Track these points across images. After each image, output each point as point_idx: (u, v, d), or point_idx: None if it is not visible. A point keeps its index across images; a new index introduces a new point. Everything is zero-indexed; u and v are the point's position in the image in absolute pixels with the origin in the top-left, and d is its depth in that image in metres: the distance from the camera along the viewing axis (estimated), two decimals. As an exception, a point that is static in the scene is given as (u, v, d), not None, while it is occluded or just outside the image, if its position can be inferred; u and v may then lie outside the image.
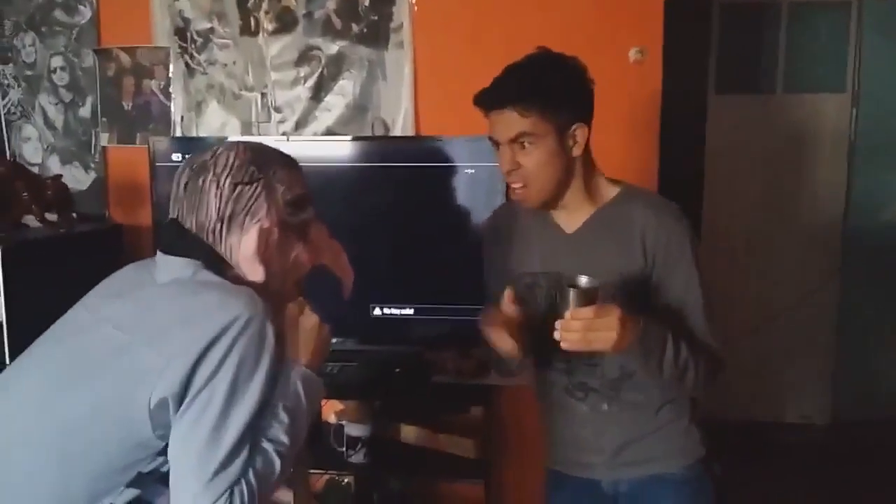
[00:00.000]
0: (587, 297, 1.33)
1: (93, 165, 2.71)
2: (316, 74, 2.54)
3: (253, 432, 1.12)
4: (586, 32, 2.39)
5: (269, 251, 1.22)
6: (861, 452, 3.63)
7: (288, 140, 2.50)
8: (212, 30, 2.57)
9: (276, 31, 2.54)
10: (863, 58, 3.79)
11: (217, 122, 2.60)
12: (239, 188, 1.20)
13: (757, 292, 3.86)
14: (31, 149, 2.76)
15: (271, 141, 2.49)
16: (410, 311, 2.35)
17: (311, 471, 2.55)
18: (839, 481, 3.39)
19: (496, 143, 1.50)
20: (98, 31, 2.65)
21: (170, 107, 2.63)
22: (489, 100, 1.47)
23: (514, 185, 1.50)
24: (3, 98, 2.75)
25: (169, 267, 1.21)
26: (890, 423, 3.78)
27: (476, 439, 2.31)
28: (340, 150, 2.44)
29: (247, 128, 2.59)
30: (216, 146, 1.25)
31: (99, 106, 2.67)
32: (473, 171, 2.30)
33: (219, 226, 1.20)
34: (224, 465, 1.07)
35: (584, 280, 1.37)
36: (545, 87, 1.45)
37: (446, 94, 2.50)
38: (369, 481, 2.50)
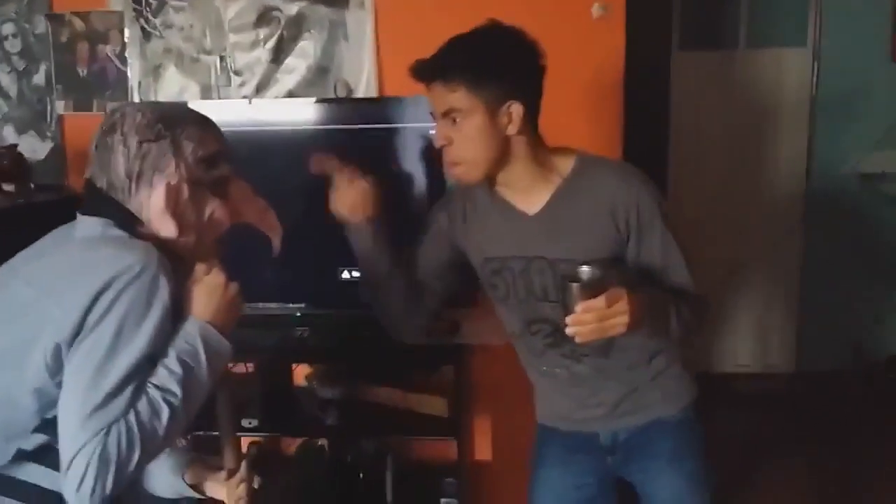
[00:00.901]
0: (592, 288, 1.33)
1: (49, 134, 2.65)
2: (275, 36, 2.50)
3: (140, 378, 1.15)
4: (549, -11, 2.38)
5: (180, 207, 1.25)
6: (824, 400, 3.73)
7: (250, 103, 2.46)
8: (167, -8, 2.52)
9: (234, -8, 2.49)
10: (823, 12, 3.81)
11: (176, 87, 2.55)
12: (145, 146, 1.23)
13: (722, 246, 3.92)
14: (-15, 119, 2.69)
15: (233, 105, 2.47)
16: (379, 274, 2.35)
17: (285, 435, 2.57)
18: (803, 428, 3.49)
19: (434, 117, 1.49)
20: (50, -5, 2.58)
21: (126, 72, 2.57)
22: (419, 72, 1.46)
23: (447, 161, 1.48)
24: (-47, 67, 2.68)
25: (84, 226, 1.26)
26: (852, 371, 3.89)
27: (447, 398, 2.33)
28: (304, 113, 2.41)
29: (206, 92, 2.55)
30: (125, 105, 1.30)
31: (53, 73, 2.61)
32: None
33: (127, 183, 1.23)
34: (104, 403, 1.10)
35: (584, 271, 1.37)
36: (472, 61, 1.42)
37: (409, 55, 2.44)
38: (343, 443, 2.52)
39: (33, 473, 1.20)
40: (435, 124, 1.49)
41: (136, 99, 2.55)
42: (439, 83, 1.43)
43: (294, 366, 2.53)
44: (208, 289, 1.26)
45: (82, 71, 2.60)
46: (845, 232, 3.91)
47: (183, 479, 1.52)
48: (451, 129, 1.44)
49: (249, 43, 2.51)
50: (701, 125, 3.94)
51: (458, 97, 1.41)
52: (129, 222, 1.24)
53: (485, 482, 2.63)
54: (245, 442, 2.58)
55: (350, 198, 1.54)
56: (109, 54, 2.58)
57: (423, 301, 1.67)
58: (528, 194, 1.52)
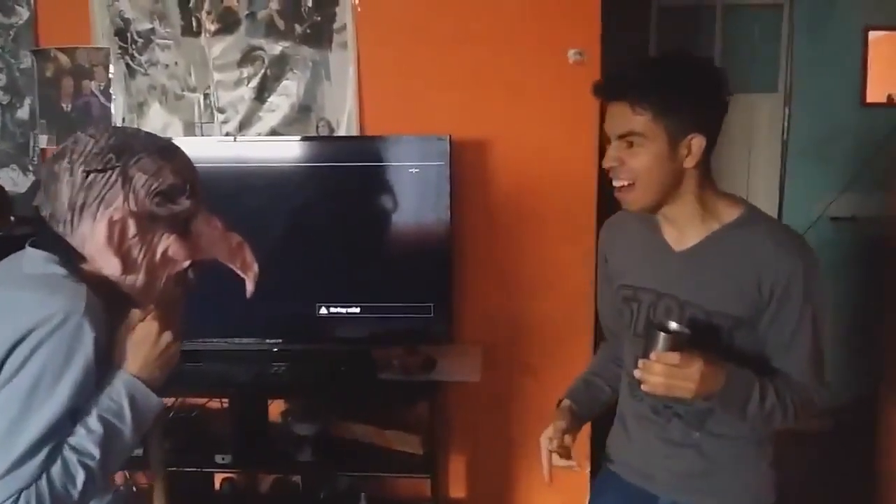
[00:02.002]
0: (674, 343, 1.31)
1: (31, 168, 2.67)
2: (259, 75, 2.54)
3: (56, 438, 1.07)
4: (526, 34, 2.45)
5: (125, 244, 1.15)
6: (799, 438, 3.75)
7: (235, 140, 2.50)
8: (153, 30, 2.56)
9: (219, 32, 2.54)
10: (794, 58, 3.92)
11: (159, 123, 2.58)
12: (91, 176, 1.13)
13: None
14: (-32, 152, 2.70)
15: (215, 142, 2.51)
16: (356, 310, 2.37)
17: (258, 471, 2.55)
18: (779, 466, 3.50)
19: (608, 138, 1.40)
20: (35, 31, 2.61)
21: (110, 108, 2.60)
22: (607, 88, 1.39)
23: (616, 183, 1.41)
24: (-63, 99, 2.70)
25: (28, 259, 1.17)
26: (826, 410, 3.92)
27: (422, 435, 2.34)
28: (286, 151, 2.45)
29: (189, 128, 2.58)
30: (81, 131, 1.19)
31: (37, 107, 2.63)
32: (418, 170, 2.34)
33: (69, 215, 1.14)
34: (14, 466, 1.04)
35: (673, 325, 1.34)
36: (665, 86, 1.34)
37: (390, 95, 2.53)
38: (316, 480, 2.51)
39: None
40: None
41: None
42: (625, 103, 1.34)
43: (269, 401, 2.53)
44: (139, 338, 1.17)
45: (66, 106, 2.62)
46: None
47: None
48: (624, 152, 1.37)
49: (233, 81, 2.56)
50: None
51: (643, 121, 1.33)
52: (71, 258, 1.15)
53: (459, 519, 2.63)
54: (218, 478, 2.57)
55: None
56: (94, 90, 2.61)
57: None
58: (683, 231, 1.44)
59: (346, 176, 2.39)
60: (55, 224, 1.15)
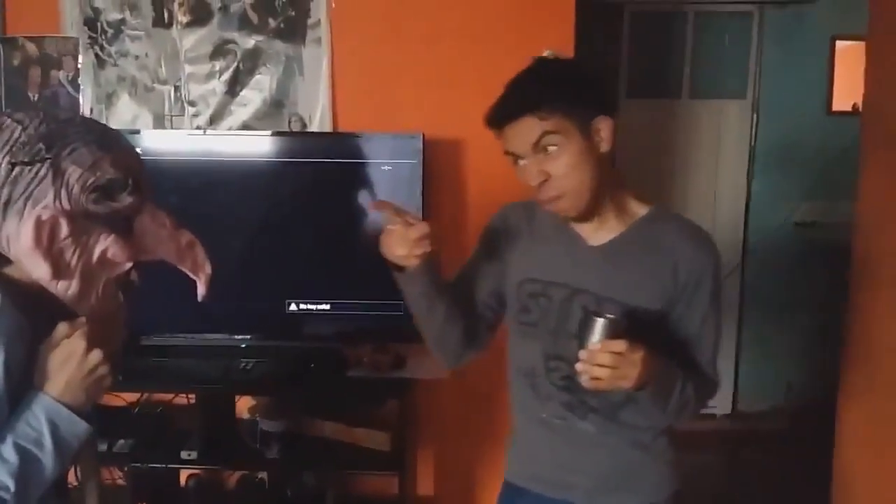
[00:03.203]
0: (616, 330, 1.27)
1: (-4, 157, 2.61)
2: (231, 69, 2.52)
3: None
4: (501, 33, 2.46)
5: (55, 245, 1.01)
6: (759, 440, 3.84)
7: (205, 134, 2.48)
8: (123, 21, 2.52)
9: (191, 24, 2.51)
10: (763, 66, 3.99)
11: (128, 115, 2.55)
12: (18, 169, 0.99)
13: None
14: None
15: (185, 135, 2.48)
16: (327, 307, 2.36)
17: (225, 468, 2.54)
18: (739, 467, 3.58)
19: (516, 158, 1.39)
20: (3, 19, 2.55)
21: (79, 99, 2.56)
22: (504, 113, 1.37)
23: (545, 199, 1.38)
24: None
25: None
26: (785, 411, 4.01)
27: (391, 432, 2.34)
28: (257, 146, 2.43)
29: (159, 121, 2.55)
30: (7, 114, 1.04)
31: (3, 97, 2.58)
32: (390, 167, 2.34)
33: None
34: None
35: (609, 315, 1.29)
36: (561, 83, 1.36)
37: (364, 91, 2.52)
38: (284, 477, 2.50)
39: None
40: (520, 171, 1.39)
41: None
42: (530, 116, 1.33)
43: (237, 398, 2.51)
44: (62, 357, 1.02)
45: (33, 96, 2.58)
46: (781, 277, 4.05)
47: None
48: (546, 163, 1.35)
49: (205, 74, 2.53)
50: (643, 171, 4.06)
51: (554, 122, 1.33)
52: None
53: (427, 517, 2.64)
54: (184, 475, 2.55)
55: (409, 240, 1.34)
56: (62, 80, 2.57)
57: (469, 324, 1.53)
58: (597, 227, 1.45)
59: (317, 172, 2.38)
60: None
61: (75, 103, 2.56)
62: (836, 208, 3.43)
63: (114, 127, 1.18)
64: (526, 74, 1.41)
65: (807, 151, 3.99)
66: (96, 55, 2.54)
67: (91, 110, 2.55)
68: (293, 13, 2.49)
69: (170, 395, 2.50)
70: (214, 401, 2.44)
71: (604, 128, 1.36)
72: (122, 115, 2.55)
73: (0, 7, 2.55)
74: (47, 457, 1.00)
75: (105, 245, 1.05)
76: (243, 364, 2.35)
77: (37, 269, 1.02)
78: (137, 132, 2.43)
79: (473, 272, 1.56)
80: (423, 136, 2.33)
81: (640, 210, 1.46)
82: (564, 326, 1.44)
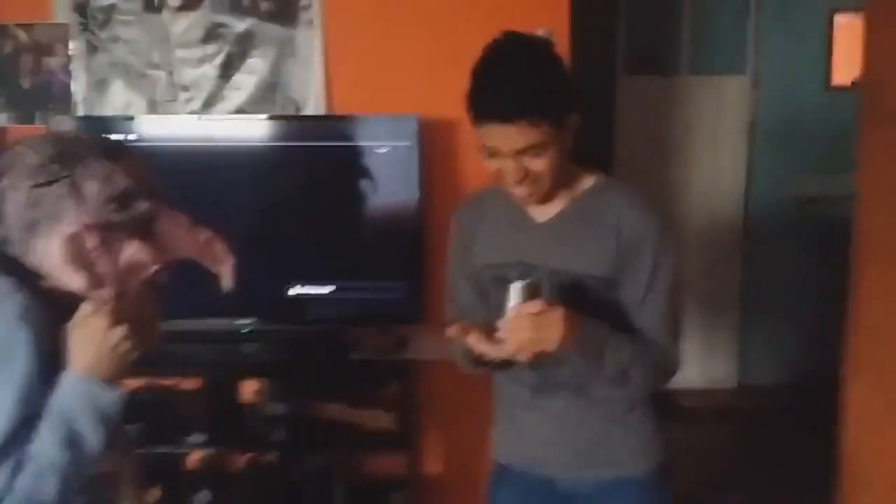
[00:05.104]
0: (531, 292, 1.28)
1: (-10, 147, 2.60)
2: (224, 53, 2.50)
3: (15, 448, 1.05)
4: (495, 12, 2.43)
5: (86, 256, 1.08)
6: (765, 413, 3.85)
7: (199, 119, 2.46)
8: (114, 6, 2.49)
9: (182, 8, 2.48)
10: (762, 41, 3.96)
11: (121, 101, 2.53)
12: (38, 191, 1.06)
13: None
14: (-78, 131, 2.63)
15: (181, 120, 2.46)
16: (327, 290, 2.35)
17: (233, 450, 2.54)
18: (746, 440, 3.59)
19: (493, 153, 1.38)
20: (-8, 7, 2.54)
21: (71, 85, 2.54)
22: (496, 113, 1.33)
23: (521, 192, 1.40)
24: None
25: None
26: (791, 385, 4.02)
27: (395, 413, 2.34)
28: (252, 130, 2.41)
29: (152, 107, 2.53)
30: (19, 143, 1.11)
31: (-4, 85, 2.57)
32: (386, 149, 2.32)
33: (22, 235, 1.07)
34: None
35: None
36: (548, 90, 1.33)
37: (358, 73, 2.50)
38: (291, 459, 2.50)
39: None
40: (496, 162, 1.38)
41: (81, 113, 2.52)
42: (521, 121, 1.31)
43: (242, 382, 2.51)
44: (86, 333, 1.09)
45: (25, 83, 2.56)
46: (783, 252, 4.04)
47: None
48: (530, 163, 1.36)
49: (197, 59, 2.51)
50: (643, 148, 4.04)
51: (544, 130, 1.32)
52: (31, 278, 1.09)
53: (435, 495, 2.64)
54: (191, 460, 2.55)
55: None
56: (54, 67, 2.55)
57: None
58: (544, 204, 1.47)
59: (313, 155, 2.37)
60: (10, 247, 1.08)
61: (68, 90, 2.53)
62: (838, 183, 3.40)
63: (108, 113, 1.22)
64: (513, 72, 1.35)
65: (807, 126, 3.97)
66: (88, 41, 2.52)
67: (84, 97, 2.53)
68: (285, -5, 2.47)
69: (173, 381, 2.50)
70: (220, 385, 2.44)
71: (573, 122, 1.39)
72: (115, 101, 2.53)
73: (-11, -5, 2.53)
74: (86, 429, 1.08)
75: (130, 251, 1.12)
76: (246, 348, 2.35)
77: (73, 283, 1.08)
78: (132, 118, 2.42)
79: (463, 289, 1.60)
80: (419, 117, 2.31)
81: (585, 182, 1.49)
82: None
